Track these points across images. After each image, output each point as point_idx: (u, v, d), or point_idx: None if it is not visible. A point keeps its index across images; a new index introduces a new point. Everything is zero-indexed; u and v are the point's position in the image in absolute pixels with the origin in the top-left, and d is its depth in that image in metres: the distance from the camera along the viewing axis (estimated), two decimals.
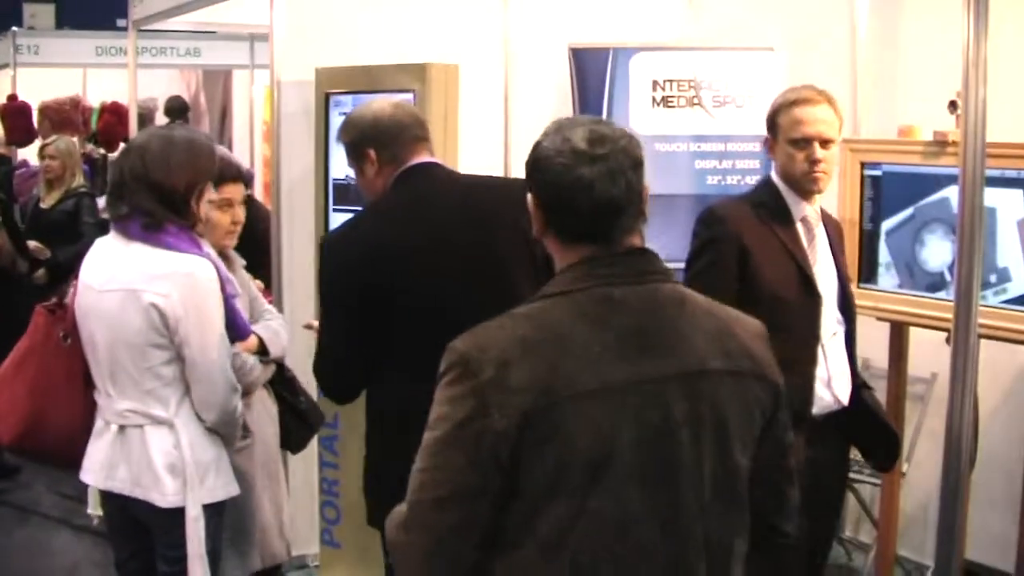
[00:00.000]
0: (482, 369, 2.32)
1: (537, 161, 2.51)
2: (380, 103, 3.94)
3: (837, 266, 4.29)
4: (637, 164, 2.51)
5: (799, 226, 4.18)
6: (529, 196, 2.54)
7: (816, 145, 4.09)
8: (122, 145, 12.66)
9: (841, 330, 4.24)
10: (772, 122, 4.21)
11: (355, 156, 3.89)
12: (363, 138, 3.84)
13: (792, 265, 4.11)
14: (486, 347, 2.36)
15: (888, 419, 4.43)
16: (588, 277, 2.44)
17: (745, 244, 4.08)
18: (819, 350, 4.13)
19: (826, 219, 4.33)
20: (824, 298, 4.15)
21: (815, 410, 4.11)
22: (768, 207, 4.18)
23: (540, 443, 2.30)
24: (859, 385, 4.32)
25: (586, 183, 2.42)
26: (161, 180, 3.77)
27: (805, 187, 4.14)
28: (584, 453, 2.31)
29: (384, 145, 3.81)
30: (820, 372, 4.13)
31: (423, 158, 3.84)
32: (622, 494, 2.34)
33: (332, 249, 3.81)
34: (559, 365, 2.33)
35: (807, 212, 4.20)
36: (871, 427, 4.34)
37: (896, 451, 4.42)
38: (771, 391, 2.57)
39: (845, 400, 4.22)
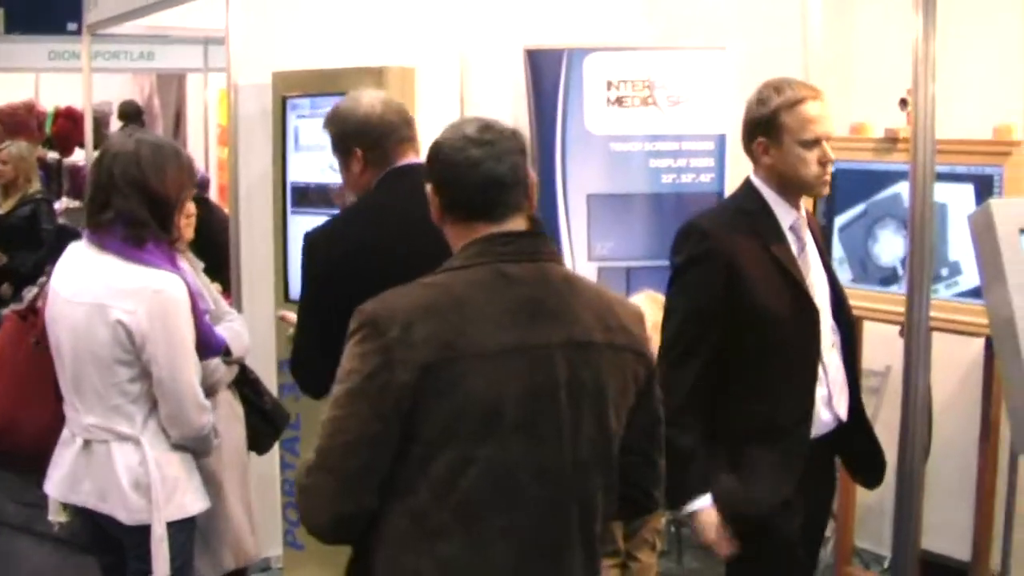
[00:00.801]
0: (389, 328, 2.59)
1: (433, 151, 2.84)
2: (370, 99, 3.88)
3: (827, 270, 3.98)
4: (522, 151, 2.82)
5: (789, 235, 3.83)
6: (428, 186, 2.86)
7: (825, 144, 3.73)
8: (78, 150, 12.66)
9: (837, 339, 3.92)
10: (772, 123, 3.76)
11: (341, 151, 3.88)
12: (351, 137, 3.83)
13: (786, 280, 3.76)
14: (393, 309, 2.64)
15: (877, 440, 4.10)
16: (485, 253, 2.73)
17: (734, 261, 3.72)
18: (820, 367, 3.82)
19: (809, 220, 3.98)
20: (821, 310, 3.83)
21: (814, 432, 3.82)
22: (754, 216, 3.82)
23: (438, 395, 2.58)
24: (856, 401, 4.03)
25: (475, 161, 2.74)
26: (157, 187, 3.74)
27: (814, 190, 3.84)
28: (477, 406, 2.60)
29: (372, 146, 3.81)
30: (820, 390, 3.83)
31: (410, 159, 3.83)
32: (508, 445, 2.63)
33: (313, 246, 3.79)
34: (458, 326, 2.62)
35: (795, 219, 3.85)
36: (862, 446, 4.05)
37: (882, 472, 4.10)
38: (645, 366, 2.86)
39: (844, 416, 3.93)
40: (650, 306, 4.93)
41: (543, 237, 2.82)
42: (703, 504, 3.73)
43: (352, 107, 3.89)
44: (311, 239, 3.85)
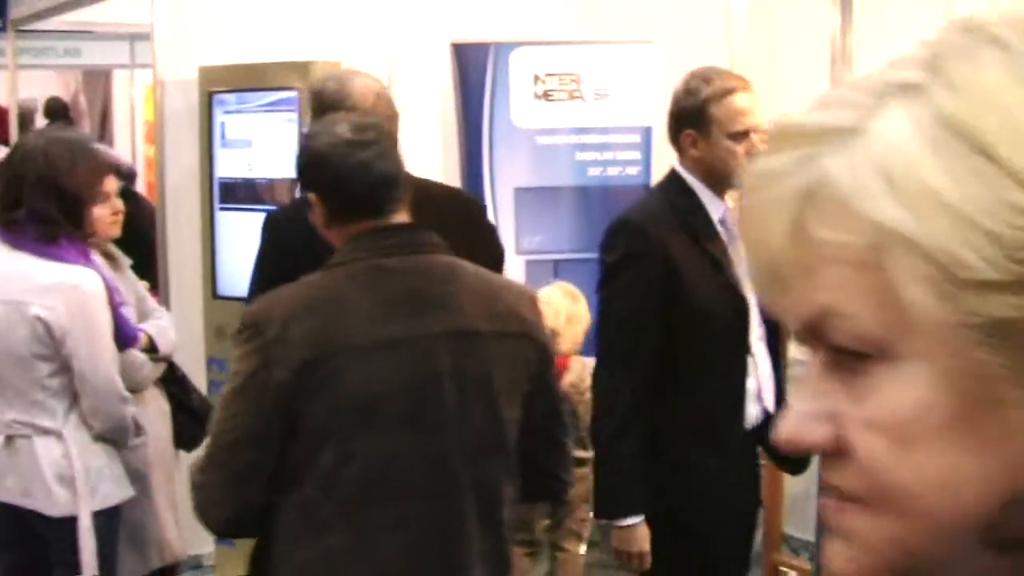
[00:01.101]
0: (267, 329, 2.63)
1: (314, 160, 2.83)
2: (363, 89, 3.63)
3: None
4: (396, 143, 2.91)
5: (719, 228, 3.71)
6: (311, 196, 2.81)
7: (754, 136, 3.59)
8: (3, 148, 12.51)
9: (763, 332, 3.80)
10: (700, 115, 3.62)
11: None
12: None
13: (719, 275, 3.65)
14: (272, 310, 2.69)
15: None
16: (363, 249, 2.75)
17: (669, 257, 3.58)
18: (750, 361, 3.75)
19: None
20: (749, 303, 3.69)
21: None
22: (685, 210, 3.69)
23: (316, 391, 2.62)
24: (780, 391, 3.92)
25: (365, 163, 2.75)
26: (67, 183, 3.74)
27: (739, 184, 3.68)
28: (354, 400, 2.64)
29: None
30: (749, 383, 3.75)
31: None
32: (390, 438, 2.67)
33: (265, 226, 3.74)
34: (336, 323, 2.66)
35: (724, 211, 3.72)
36: None
37: (808, 458, 3.70)
38: (538, 350, 2.89)
39: (772, 408, 3.80)
40: (562, 298, 4.95)
41: (422, 229, 2.84)
42: (635, 520, 3.67)
43: (340, 93, 3.61)
44: (270, 219, 3.79)
